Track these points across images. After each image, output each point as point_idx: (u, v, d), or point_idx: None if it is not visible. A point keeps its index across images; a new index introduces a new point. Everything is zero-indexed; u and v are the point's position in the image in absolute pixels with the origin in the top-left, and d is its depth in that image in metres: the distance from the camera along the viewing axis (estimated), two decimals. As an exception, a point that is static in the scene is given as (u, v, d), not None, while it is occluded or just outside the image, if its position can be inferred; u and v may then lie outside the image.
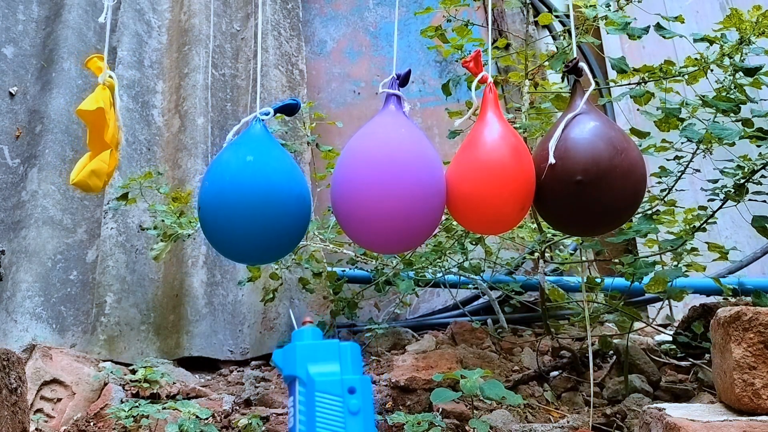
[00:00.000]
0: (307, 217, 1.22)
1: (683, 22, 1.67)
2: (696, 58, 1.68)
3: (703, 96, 1.64)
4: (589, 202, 1.12)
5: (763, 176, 1.63)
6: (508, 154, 1.13)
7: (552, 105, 1.86)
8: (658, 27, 1.65)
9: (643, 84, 1.74)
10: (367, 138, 1.20)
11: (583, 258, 2.05)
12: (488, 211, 1.15)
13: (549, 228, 1.89)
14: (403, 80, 1.25)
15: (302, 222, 1.20)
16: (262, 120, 1.22)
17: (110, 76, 1.31)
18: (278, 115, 1.27)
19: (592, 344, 1.77)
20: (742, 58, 1.61)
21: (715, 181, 1.71)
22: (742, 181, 1.61)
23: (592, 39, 1.78)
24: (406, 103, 1.25)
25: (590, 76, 1.22)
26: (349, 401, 0.89)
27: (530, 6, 2.11)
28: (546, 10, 2.77)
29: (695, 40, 1.65)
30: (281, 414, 1.69)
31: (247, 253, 1.21)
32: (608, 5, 1.66)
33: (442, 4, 1.94)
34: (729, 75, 1.62)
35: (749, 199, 1.63)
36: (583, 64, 1.21)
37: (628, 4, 1.70)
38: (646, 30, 1.63)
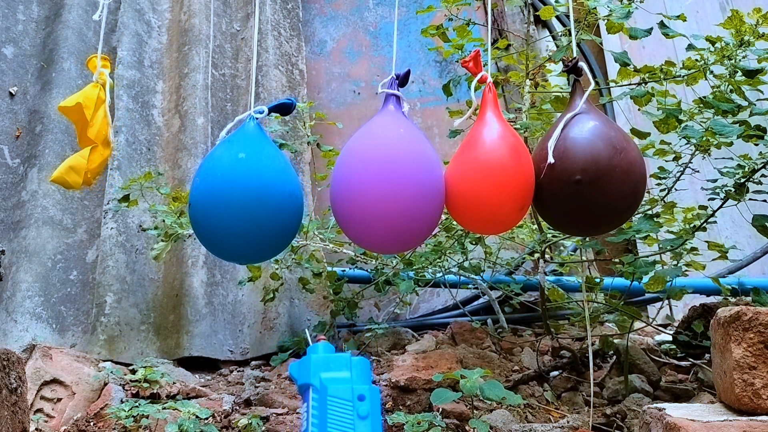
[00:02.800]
0: (299, 216, 1.20)
1: (685, 20, 1.67)
2: (696, 59, 1.68)
3: (704, 97, 1.64)
4: (588, 201, 1.12)
5: (763, 175, 1.63)
6: (508, 154, 1.13)
7: (551, 107, 1.86)
8: (662, 25, 1.65)
9: (643, 84, 1.74)
10: (366, 138, 1.20)
11: (583, 258, 2.05)
12: (487, 211, 1.15)
13: (549, 228, 1.89)
14: (402, 80, 1.25)
15: (294, 221, 1.19)
16: (256, 118, 1.22)
17: (103, 74, 1.31)
18: (276, 115, 1.27)
19: (592, 344, 1.77)
20: (738, 60, 1.61)
21: (715, 180, 1.71)
22: (743, 180, 1.61)
23: (593, 37, 1.77)
24: (405, 103, 1.25)
25: (590, 75, 1.22)
26: (358, 406, 0.95)
27: (530, 6, 2.11)
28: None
29: (688, 48, 1.65)
30: (281, 414, 1.69)
31: (238, 251, 1.18)
32: (609, 0, 1.66)
33: (444, 2, 1.94)
34: (725, 79, 1.62)
35: (749, 199, 1.63)
36: (582, 64, 1.21)
37: (630, 2, 1.70)
38: (649, 32, 1.63)
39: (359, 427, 0.93)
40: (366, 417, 0.94)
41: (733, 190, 1.61)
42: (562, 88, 2.05)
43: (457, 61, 1.99)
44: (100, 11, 1.33)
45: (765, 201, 1.66)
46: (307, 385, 0.99)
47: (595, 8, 1.64)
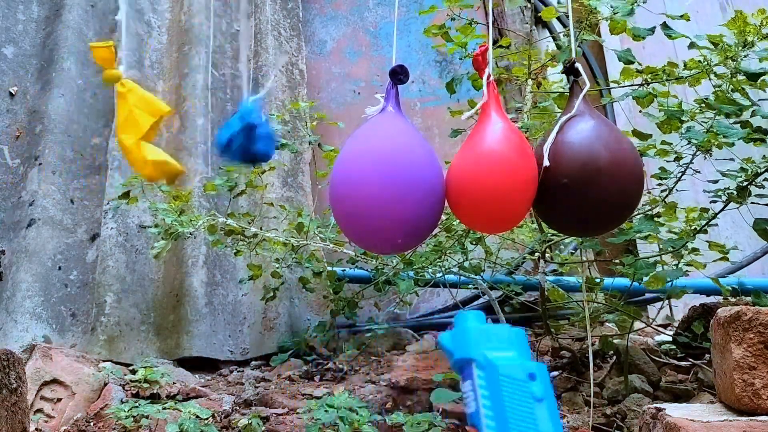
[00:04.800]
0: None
1: (688, 20, 1.67)
2: (699, 60, 1.68)
3: (705, 98, 1.64)
4: (577, 204, 1.13)
5: (766, 179, 1.63)
6: (514, 151, 1.13)
7: (554, 103, 1.86)
8: (665, 26, 1.64)
9: (645, 85, 1.74)
10: (365, 138, 1.20)
11: (583, 258, 2.05)
12: (494, 208, 1.14)
13: (549, 228, 1.89)
14: (392, 73, 1.23)
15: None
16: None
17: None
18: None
19: (592, 344, 1.77)
20: (740, 60, 1.61)
21: (716, 182, 1.70)
22: (745, 183, 1.61)
23: (594, 36, 1.77)
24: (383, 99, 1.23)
25: (585, 76, 1.22)
26: (531, 387, 0.82)
27: (531, 6, 2.11)
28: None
29: (689, 47, 1.65)
30: (281, 414, 1.68)
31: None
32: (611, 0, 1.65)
33: (446, 2, 1.94)
34: (727, 79, 1.62)
35: (751, 202, 1.63)
36: (578, 64, 1.21)
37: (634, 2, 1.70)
38: (652, 31, 1.62)
39: (538, 411, 0.80)
40: (542, 399, 0.81)
41: (735, 193, 1.61)
42: (562, 87, 2.04)
43: (461, 58, 1.98)
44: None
45: (767, 205, 1.66)
46: (467, 360, 0.85)
47: (597, 10, 1.63)
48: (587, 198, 1.12)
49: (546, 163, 1.13)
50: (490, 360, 0.84)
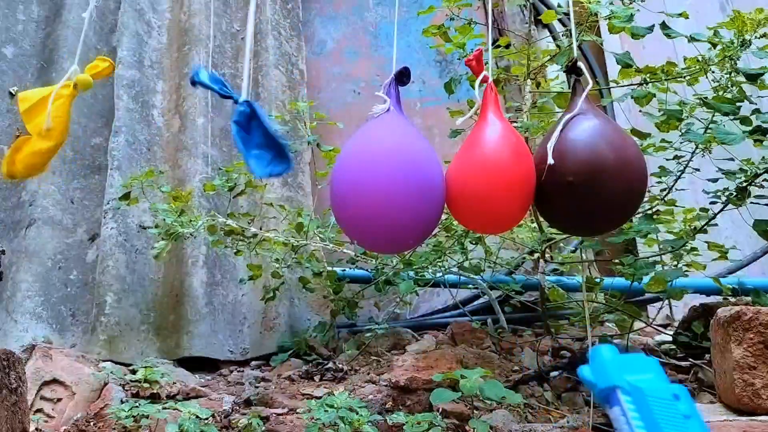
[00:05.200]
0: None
1: (687, 18, 1.67)
2: (698, 59, 1.68)
3: (704, 97, 1.64)
4: (582, 202, 1.13)
5: (765, 180, 1.63)
6: (510, 153, 1.13)
7: (553, 102, 1.86)
8: (664, 26, 1.64)
9: (644, 85, 1.74)
10: (366, 138, 1.20)
11: (583, 258, 2.05)
12: (489, 210, 1.15)
13: (549, 228, 1.89)
14: (398, 76, 1.24)
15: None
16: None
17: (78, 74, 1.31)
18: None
19: (592, 344, 1.77)
20: (739, 57, 1.61)
21: (715, 181, 1.70)
22: (745, 184, 1.61)
23: (594, 37, 1.77)
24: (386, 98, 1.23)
25: (588, 75, 1.22)
26: (678, 406, 0.87)
27: (531, 6, 2.11)
28: (547, 9, 2.77)
29: (689, 40, 1.64)
30: (281, 414, 1.69)
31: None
32: (611, 2, 1.65)
33: (445, 2, 1.94)
34: (726, 74, 1.62)
35: (751, 202, 1.63)
36: (580, 64, 1.21)
37: (631, 3, 1.70)
38: (650, 29, 1.62)
39: (691, 428, 0.84)
40: (690, 417, 0.85)
41: (734, 194, 1.61)
42: (562, 88, 2.05)
43: (459, 59, 1.98)
44: (90, 9, 1.33)
45: (767, 205, 1.66)
46: (611, 388, 0.90)
47: (597, 12, 1.63)
48: (592, 196, 1.12)
49: (550, 160, 1.12)
50: (634, 384, 0.87)
